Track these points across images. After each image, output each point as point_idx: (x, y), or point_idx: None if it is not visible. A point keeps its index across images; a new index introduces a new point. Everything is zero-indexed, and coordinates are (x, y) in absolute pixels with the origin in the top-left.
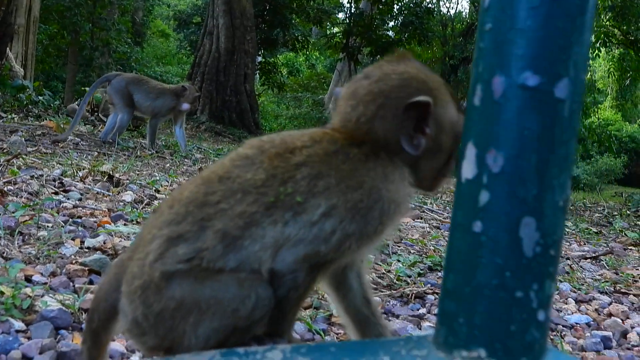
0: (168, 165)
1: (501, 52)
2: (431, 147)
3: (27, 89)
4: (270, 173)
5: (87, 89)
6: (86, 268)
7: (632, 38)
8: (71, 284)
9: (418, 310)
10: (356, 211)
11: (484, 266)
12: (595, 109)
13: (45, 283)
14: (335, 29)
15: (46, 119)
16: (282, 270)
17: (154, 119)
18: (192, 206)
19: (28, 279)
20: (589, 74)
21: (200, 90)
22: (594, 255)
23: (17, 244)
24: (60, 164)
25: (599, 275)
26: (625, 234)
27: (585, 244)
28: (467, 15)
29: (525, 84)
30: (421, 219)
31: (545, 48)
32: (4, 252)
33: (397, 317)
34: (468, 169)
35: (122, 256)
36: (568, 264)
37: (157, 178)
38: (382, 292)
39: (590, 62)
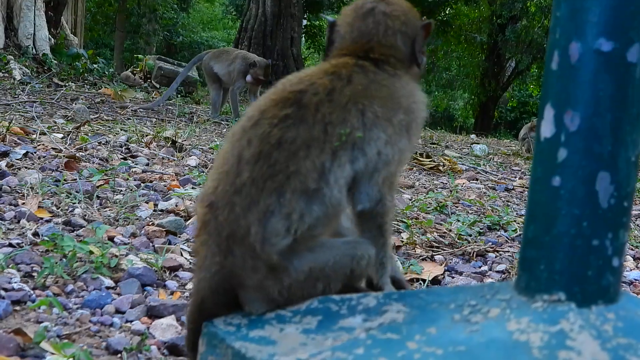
0: (225, 130)
1: (577, 20)
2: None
3: (83, 57)
4: (326, 121)
5: (139, 56)
6: (163, 229)
7: None
8: (151, 244)
9: (480, 267)
10: (403, 129)
11: (562, 217)
12: None
13: (128, 243)
14: None
15: (102, 87)
16: (370, 205)
17: (232, 88)
18: (262, 181)
19: (111, 240)
20: None
21: None
22: None
23: (96, 207)
24: (124, 130)
25: None
26: None
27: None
28: None
29: (600, 49)
30: (476, 179)
31: (617, 15)
32: (85, 215)
33: (460, 274)
34: (547, 129)
35: (209, 258)
36: None
37: (217, 143)
38: (444, 250)
39: None
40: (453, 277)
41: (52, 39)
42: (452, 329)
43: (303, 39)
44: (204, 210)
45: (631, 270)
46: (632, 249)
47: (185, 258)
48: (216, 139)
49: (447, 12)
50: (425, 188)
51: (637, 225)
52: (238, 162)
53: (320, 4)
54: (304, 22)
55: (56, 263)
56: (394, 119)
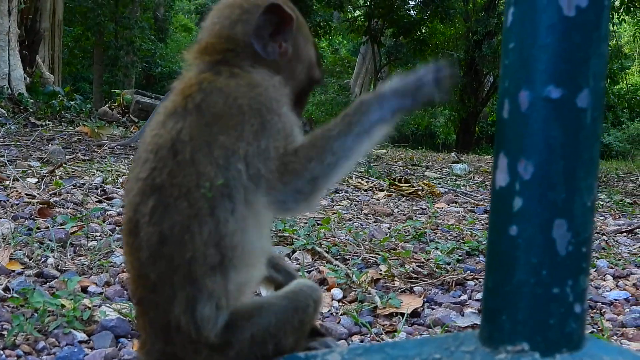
0: None
1: (525, 68)
2: (285, 68)
3: (59, 95)
4: (185, 192)
5: (116, 90)
6: None
7: None
8: (125, 292)
9: (459, 297)
10: (259, 133)
11: (521, 266)
12: (623, 75)
13: (101, 293)
14: (357, 12)
15: (79, 124)
16: (280, 194)
17: None
18: (169, 278)
19: (84, 290)
20: (614, 39)
21: None
22: (629, 228)
23: (70, 255)
24: (99, 170)
25: (635, 249)
26: None
27: (620, 217)
28: None
29: (549, 96)
30: (456, 203)
31: (565, 62)
32: (58, 265)
33: (440, 305)
34: (501, 178)
35: (149, 344)
36: (604, 240)
37: None
38: (423, 281)
39: (615, 27)
40: (433, 309)
41: (28, 78)
42: None
43: None
44: (136, 305)
45: (611, 290)
46: (611, 267)
47: None
48: None
49: (423, 31)
50: (405, 215)
51: (617, 242)
52: (140, 266)
53: None
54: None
55: (27, 319)
56: (244, 133)
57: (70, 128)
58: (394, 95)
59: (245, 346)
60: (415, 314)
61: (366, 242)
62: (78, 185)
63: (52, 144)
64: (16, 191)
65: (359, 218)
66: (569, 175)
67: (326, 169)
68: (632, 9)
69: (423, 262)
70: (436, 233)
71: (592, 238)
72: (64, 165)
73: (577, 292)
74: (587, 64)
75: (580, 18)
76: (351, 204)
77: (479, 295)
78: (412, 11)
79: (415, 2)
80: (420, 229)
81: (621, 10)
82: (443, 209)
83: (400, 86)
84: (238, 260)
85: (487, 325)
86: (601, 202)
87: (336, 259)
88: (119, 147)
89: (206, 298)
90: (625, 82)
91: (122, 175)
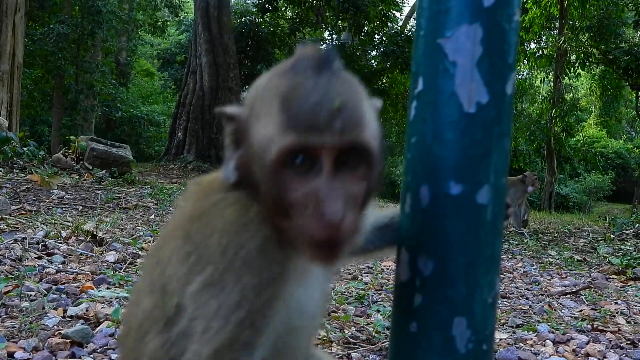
0: (152, 216)
1: (426, 163)
2: (246, 178)
3: (12, 141)
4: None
5: (71, 137)
6: (68, 340)
7: (611, 56)
8: (53, 358)
9: None
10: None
11: None
12: (580, 128)
13: (28, 359)
14: None
15: (31, 171)
16: None
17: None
18: None
19: (11, 355)
20: (572, 93)
21: (186, 130)
22: (574, 289)
23: (1, 317)
24: (44, 223)
25: (578, 312)
26: (609, 260)
27: (567, 277)
28: None
29: (449, 192)
30: None
31: (465, 158)
32: None
33: None
34: (403, 273)
35: None
36: (547, 302)
37: (141, 234)
38: (361, 346)
39: (572, 80)
40: None
41: None
42: None
43: None
44: None
45: (550, 356)
46: (552, 332)
47: None
48: (140, 228)
49: (383, 81)
50: (350, 274)
51: (560, 304)
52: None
53: (258, 77)
54: (244, 94)
55: None
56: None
57: (22, 175)
58: None
59: None
60: None
61: None
62: (19, 239)
63: None
64: None
65: None
66: (469, 272)
67: None
68: (587, 63)
69: (362, 327)
70: (380, 294)
71: (494, 334)
72: (7, 217)
73: None
74: (488, 159)
75: (481, 114)
76: None
77: None
78: (373, 61)
79: (376, 52)
80: (363, 290)
81: (577, 64)
82: (390, 268)
83: None
84: None
85: None
86: (551, 259)
87: None
88: None
89: None
90: (581, 134)
91: (67, 229)
